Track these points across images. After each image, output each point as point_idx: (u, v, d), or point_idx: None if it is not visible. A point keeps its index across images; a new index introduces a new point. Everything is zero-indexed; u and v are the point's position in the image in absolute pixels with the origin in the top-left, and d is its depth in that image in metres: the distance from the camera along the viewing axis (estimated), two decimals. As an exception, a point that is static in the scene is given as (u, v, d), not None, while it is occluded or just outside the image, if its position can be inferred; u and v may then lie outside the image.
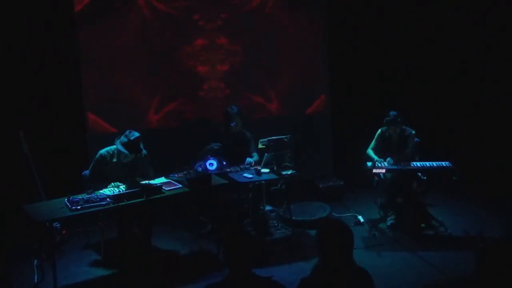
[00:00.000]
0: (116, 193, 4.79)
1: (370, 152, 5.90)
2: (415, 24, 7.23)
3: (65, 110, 6.34)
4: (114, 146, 5.14)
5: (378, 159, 5.73)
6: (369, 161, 5.76)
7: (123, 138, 5.05)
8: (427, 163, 5.59)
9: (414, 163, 5.64)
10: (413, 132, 5.82)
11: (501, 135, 6.89)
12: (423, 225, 5.70)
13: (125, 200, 4.74)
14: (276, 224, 5.99)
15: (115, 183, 5.02)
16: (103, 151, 5.20)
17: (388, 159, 5.68)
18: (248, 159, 5.88)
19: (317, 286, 2.75)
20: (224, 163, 5.67)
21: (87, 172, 5.32)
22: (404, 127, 5.81)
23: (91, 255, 5.44)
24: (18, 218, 4.97)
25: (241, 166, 5.77)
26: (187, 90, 6.92)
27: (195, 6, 6.81)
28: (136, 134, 5.07)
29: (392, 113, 5.72)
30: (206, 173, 5.33)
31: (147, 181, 5.15)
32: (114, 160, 5.16)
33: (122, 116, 6.65)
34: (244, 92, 7.11)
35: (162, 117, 6.86)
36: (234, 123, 5.95)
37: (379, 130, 5.95)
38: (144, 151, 5.22)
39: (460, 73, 7.20)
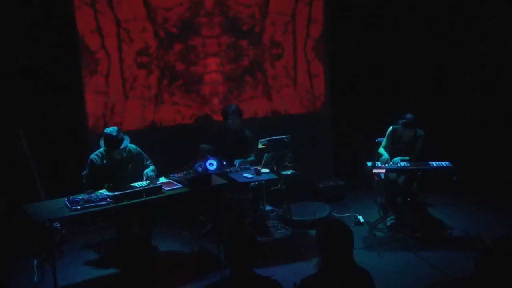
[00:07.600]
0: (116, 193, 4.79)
1: (381, 150, 5.85)
2: (416, 24, 7.22)
3: (65, 109, 6.34)
4: (103, 148, 5.15)
5: (386, 157, 5.66)
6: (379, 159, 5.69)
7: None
8: (427, 163, 5.58)
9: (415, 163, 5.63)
10: (423, 134, 5.74)
11: (501, 135, 6.88)
12: (423, 225, 5.70)
13: (125, 200, 4.75)
14: (276, 224, 5.99)
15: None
16: (92, 155, 5.19)
17: (394, 159, 5.65)
18: (237, 161, 5.81)
19: (317, 286, 2.75)
20: (224, 163, 5.67)
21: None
22: (417, 129, 5.73)
23: (91, 255, 5.44)
24: (18, 218, 4.97)
25: (241, 166, 5.77)
26: (187, 88, 6.92)
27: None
28: (111, 128, 5.09)
29: (409, 116, 5.59)
30: (206, 173, 5.33)
31: (151, 169, 5.20)
32: (105, 162, 5.15)
33: (122, 115, 6.65)
34: (244, 92, 7.11)
35: (162, 117, 6.86)
36: (230, 120, 5.94)
37: (390, 128, 5.84)
38: (131, 146, 5.23)
39: (460, 73, 7.19)
